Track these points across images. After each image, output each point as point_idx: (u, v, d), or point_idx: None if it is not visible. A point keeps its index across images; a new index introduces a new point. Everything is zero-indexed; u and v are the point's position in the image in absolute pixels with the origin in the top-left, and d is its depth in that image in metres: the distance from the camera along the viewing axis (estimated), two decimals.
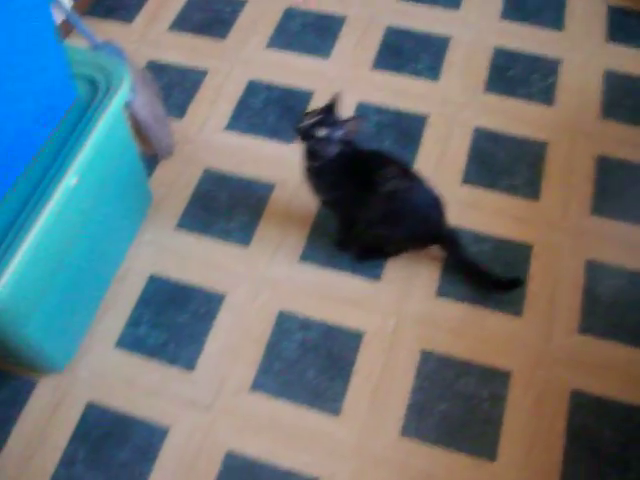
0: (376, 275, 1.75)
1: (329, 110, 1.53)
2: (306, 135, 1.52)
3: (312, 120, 1.51)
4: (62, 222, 1.39)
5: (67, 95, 1.48)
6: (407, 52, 2.19)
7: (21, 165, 1.40)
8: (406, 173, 1.60)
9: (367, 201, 1.58)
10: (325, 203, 1.67)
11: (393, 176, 1.58)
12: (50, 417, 1.60)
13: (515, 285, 1.69)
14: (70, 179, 1.39)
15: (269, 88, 2.12)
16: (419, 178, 1.61)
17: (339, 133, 1.51)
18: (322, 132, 1.50)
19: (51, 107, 1.44)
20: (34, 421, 1.60)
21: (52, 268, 1.45)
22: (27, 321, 1.43)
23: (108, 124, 1.47)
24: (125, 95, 1.52)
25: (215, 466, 1.52)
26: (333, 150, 1.52)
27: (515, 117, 2.03)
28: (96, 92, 1.51)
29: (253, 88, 2.12)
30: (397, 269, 1.75)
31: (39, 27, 1.34)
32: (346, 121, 1.52)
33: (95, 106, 1.48)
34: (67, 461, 1.55)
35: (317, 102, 2.07)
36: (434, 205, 1.63)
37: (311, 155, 1.56)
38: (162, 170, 1.96)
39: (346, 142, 1.52)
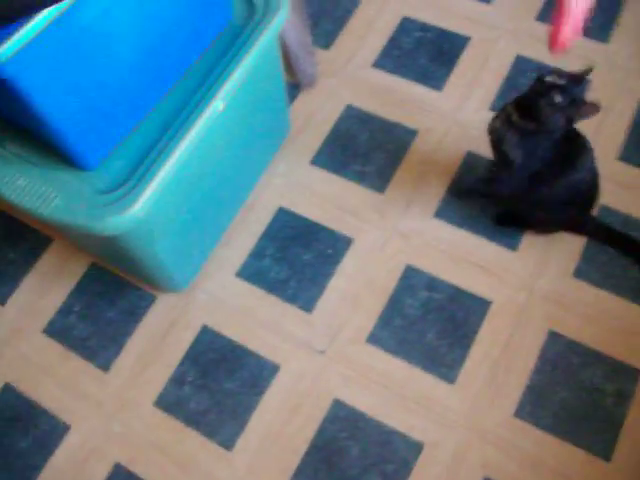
0: (513, 244, 1.65)
1: (577, 80, 1.37)
2: (542, 90, 1.36)
3: (559, 81, 1.35)
4: (204, 147, 1.36)
5: (223, 13, 1.42)
6: None
7: (170, 82, 1.37)
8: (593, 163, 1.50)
9: (552, 178, 1.47)
10: (506, 162, 1.49)
11: (587, 167, 1.48)
12: (165, 334, 1.62)
13: None
14: (218, 104, 1.34)
15: (423, 28, 2.00)
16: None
17: (572, 111, 1.36)
18: (559, 99, 1.34)
19: (206, 23, 1.39)
20: (149, 336, 1.62)
21: (188, 191, 1.43)
22: (157, 240, 1.43)
23: (262, 49, 1.41)
24: (282, 20, 1.45)
25: (321, 411, 1.51)
26: (557, 123, 1.38)
27: None
28: (253, 13, 1.44)
29: (406, 26, 2.01)
30: (536, 242, 1.65)
31: None
32: (585, 103, 1.35)
33: (251, 28, 1.41)
34: (176, 380, 1.57)
35: (473, 49, 1.94)
36: (593, 196, 1.55)
37: (531, 114, 1.40)
38: (302, 101, 1.90)
39: (570, 121, 1.39)
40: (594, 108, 1.35)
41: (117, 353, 1.61)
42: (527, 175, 1.48)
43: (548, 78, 1.36)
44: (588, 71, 1.38)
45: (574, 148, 1.47)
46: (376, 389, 1.52)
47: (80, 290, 1.69)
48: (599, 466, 1.43)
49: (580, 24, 1.23)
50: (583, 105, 1.36)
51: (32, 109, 1.13)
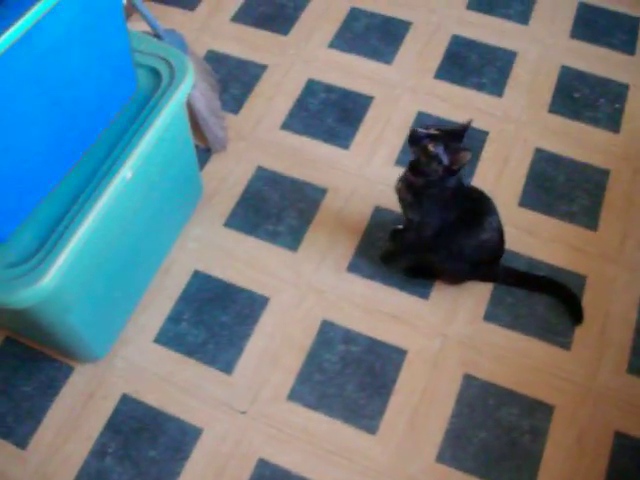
0: (424, 294, 1.71)
1: (455, 134, 1.45)
2: (416, 141, 1.44)
3: (430, 131, 1.43)
4: (114, 215, 1.37)
5: (128, 85, 1.45)
6: (472, 64, 2.13)
7: (77, 154, 1.38)
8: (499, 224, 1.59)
9: (459, 237, 1.55)
10: (411, 223, 1.59)
11: (495, 228, 1.56)
12: (84, 405, 1.59)
13: (573, 300, 1.68)
14: (126, 172, 1.36)
15: (328, 89, 2.08)
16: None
17: (446, 157, 1.43)
18: (433, 147, 1.42)
19: (111, 96, 1.41)
20: (68, 408, 1.59)
21: (100, 260, 1.43)
22: (72, 310, 1.42)
23: (169, 117, 1.45)
24: (188, 88, 1.49)
25: (246, 472, 1.50)
26: (437, 172, 1.44)
27: (578, 141, 1.97)
28: (159, 83, 1.48)
29: (312, 88, 2.09)
30: (446, 290, 1.71)
31: (108, 13, 1.32)
32: (457, 150, 1.43)
33: (157, 98, 1.45)
34: (98, 452, 1.54)
35: (377, 108, 2.03)
36: (500, 252, 1.64)
37: (416, 169, 1.48)
38: (214, 165, 1.94)
39: (452, 171, 1.45)
40: (466, 154, 1.43)
41: (35, 428, 1.57)
42: (432, 233, 1.55)
43: (420, 130, 1.44)
44: (468, 124, 1.46)
45: (480, 209, 1.56)
46: (299, 445, 1.53)
47: None
48: None
49: None
50: (455, 152, 1.43)
51: None
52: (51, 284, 1.24)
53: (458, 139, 1.45)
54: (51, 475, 1.52)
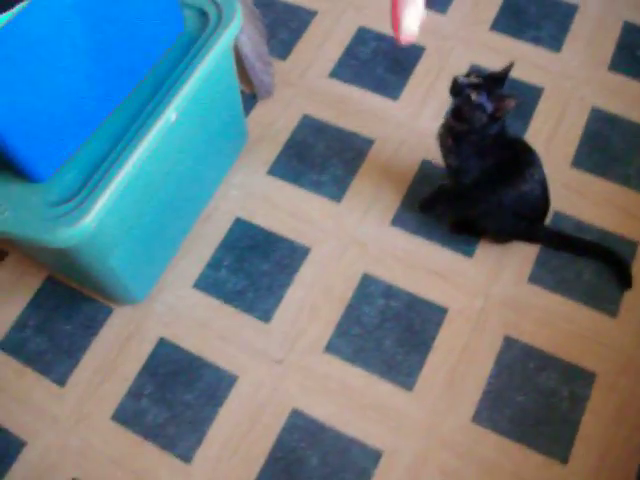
0: (468, 252, 1.67)
1: (496, 79, 1.41)
2: (458, 91, 1.41)
3: (472, 79, 1.40)
4: (157, 158, 1.36)
5: (175, 25, 1.43)
6: (530, 16, 2.05)
7: (123, 94, 1.37)
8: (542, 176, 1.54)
9: (499, 187, 1.50)
10: (451, 169, 1.55)
11: (537, 179, 1.51)
12: (122, 347, 1.60)
13: (621, 264, 1.63)
14: (170, 114, 1.34)
15: (379, 38, 2.02)
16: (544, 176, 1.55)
17: (490, 106, 1.39)
18: (475, 96, 1.39)
19: (158, 35, 1.39)
20: (106, 348, 1.60)
21: (142, 202, 1.43)
22: (112, 252, 1.42)
23: (215, 60, 1.42)
24: (235, 31, 1.46)
25: (279, 421, 1.50)
26: (480, 120, 1.41)
27: (638, 102, 1.89)
28: (206, 24, 1.45)
29: (363, 36, 2.03)
30: (491, 249, 1.67)
31: None
32: (502, 97, 1.39)
33: (204, 39, 1.43)
34: (134, 394, 1.55)
35: (429, 59, 1.97)
36: (543, 209, 1.59)
37: (459, 116, 1.44)
38: (259, 111, 1.90)
39: (495, 118, 1.41)
40: (511, 101, 1.38)
41: (73, 367, 1.59)
42: (470, 181, 1.51)
43: (462, 79, 1.40)
44: (508, 68, 1.42)
45: (523, 160, 1.50)
46: (334, 398, 1.52)
47: (36, 304, 1.67)
48: (556, 469, 1.45)
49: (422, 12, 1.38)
50: (502, 99, 1.39)
51: None
52: (92, 224, 1.23)
53: (500, 84, 1.41)
54: (88, 413, 1.54)
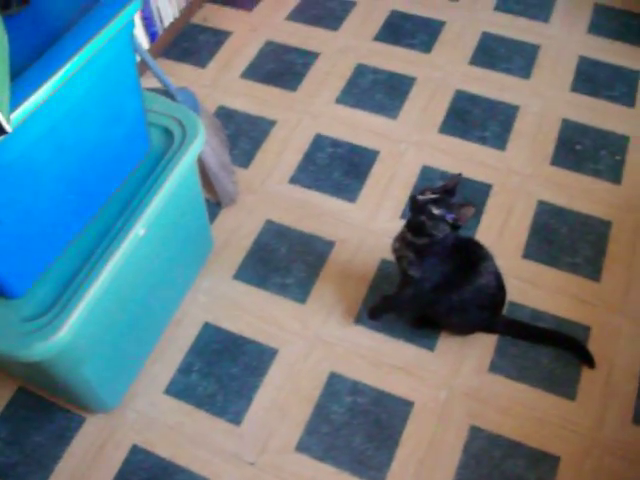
0: (430, 345, 1.73)
1: (449, 190, 1.50)
2: (420, 209, 1.48)
3: (430, 196, 1.48)
4: (128, 270, 1.41)
5: (142, 145, 1.51)
6: (475, 118, 2.19)
7: (92, 212, 1.43)
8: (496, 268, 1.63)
9: (457, 285, 1.58)
10: (408, 278, 1.61)
11: (491, 271, 1.59)
12: (95, 455, 1.61)
13: (580, 347, 1.71)
14: (139, 229, 1.41)
15: (335, 144, 2.14)
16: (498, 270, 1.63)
17: (451, 216, 1.47)
18: (438, 211, 1.46)
19: (125, 156, 1.47)
20: (79, 458, 1.61)
21: (114, 312, 1.47)
22: (84, 363, 1.45)
23: (181, 175, 1.50)
24: (199, 147, 1.54)
25: None
26: (443, 231, 1.49)
27: (580, 193, 2.01)
28: (171, 142, 1.53)
29: (320, 142, 2.14)
30: (451, 341, 1.74)
31: (124, 79, 1.38)
32: (460, 206, 1.48)
33: (169, 157, 1.50)
34: None
35: (383, 162, 2.08)
36: (501, 299, 1.66)
37: (418, 231, 1.51)
38: (223, 218, 1.99)
39: (457, 227, 1.49)
40: (469, 208, 1.47)
41: (46, 479, 1.59)
42: (431, 287, 1.58)
43: (420, 197, 1.49)
44: (458, 179, 1.51)
45: (475, 256, 1.59)
46: None
47: (6, 416, 1.67)
48: None
49: None
50: (460, 208, 1.48)
51: None
52: (66, 338, 1.27)
53: (452, 194, 1.50)
54: None
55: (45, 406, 1.69)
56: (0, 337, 1.27)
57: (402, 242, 1.58)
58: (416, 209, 1.49)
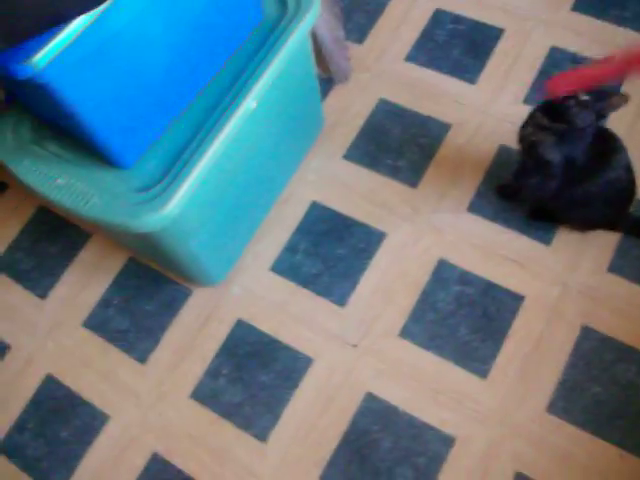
0: (547, 239, 1.65)
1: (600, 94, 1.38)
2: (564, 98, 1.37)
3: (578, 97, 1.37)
4: (238, 144, 1.39)
5: (254, 13, 1.44)
6: None
7: (204, 82, 1.39)
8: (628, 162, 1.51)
9: (587, 177, 1.47)
10: (543, 163, 1.49)
11: (623, 165, 1.47)
12: (201, 327, 1.65)
13: None
14: (250, 102, 1.36)
15: (456, 20, 1.99)
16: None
17: (600, 104, 1.36)
18: (586, 97, 1.35)
19: (238, 24, 1.41)
20: (186, 329, 1.65)
21: (222, 188, 1.46)
22: (193, 236, 1.46)
23: (293, 48, 1.43)
24: (313, 18, 1.47)
25: (353, 404, 1.53)
26: (588, 120, 1.38)
27: None
28: (284, 12, 1.46)
29: (439, 18, 2.01)
30: (570, 237, 1.64)
31: None
32: (611, 94, 1.36)
33: (282, 27, 1.43)
34: (212, 373, 1.60)
35: (507, 41, 1.93)
36: (630, 195, 1.55)
37: (560, 116, 1.40)
38: (335, 96, 1.91)
39: (601, 116, 1.38)
40: (621, 99, 1.35)
41: (154, 346, 1.65)
42: (564, 176, 1.48)
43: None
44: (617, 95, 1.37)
45: (608, 147, 1.47)
46: (408, 383, 1.53)
47: (118, 284, 1.73)
48: (631, 462, 1.42)
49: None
50: (610, 97, 1.35)
51: (70, 112, 1.16)
52: (174, 211, 1.27)
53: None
54: (167, 391, 1.60)
55: (154, 277, 1.73)
56: (111, 207, 1.28)
57: (535, 127, 1.46)
58: (562, 99, 1.37)
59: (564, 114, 1.38)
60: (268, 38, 1.42)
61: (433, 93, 1.88)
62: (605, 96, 1.36)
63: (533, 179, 1.53)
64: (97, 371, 1.64)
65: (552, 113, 1.42)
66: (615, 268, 1.60)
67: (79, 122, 1.20)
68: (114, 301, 1.71)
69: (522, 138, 1.51)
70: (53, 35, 1.04)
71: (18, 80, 1.05)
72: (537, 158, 1.49)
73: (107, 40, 1.12)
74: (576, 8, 1.98)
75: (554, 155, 1.45)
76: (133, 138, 1.31)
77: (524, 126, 1.50)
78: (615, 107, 1.36)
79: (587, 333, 1.54)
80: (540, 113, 1.45)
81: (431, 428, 1.49)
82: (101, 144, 1.27)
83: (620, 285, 1.59)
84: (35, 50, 1.04)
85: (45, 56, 1.04)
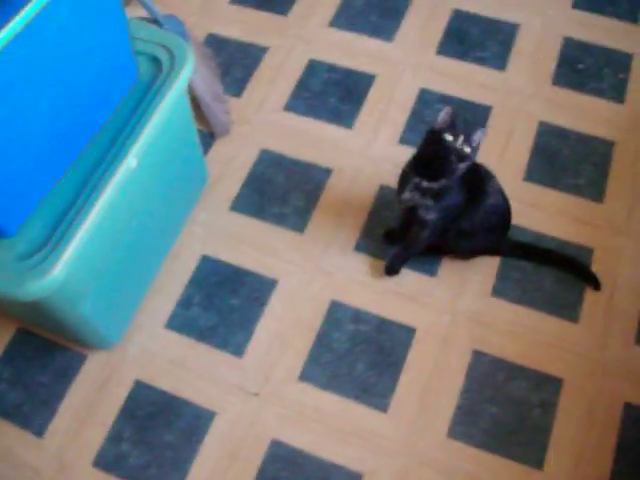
0: (432, 271, 1.71)
1: (451, 126, 1.43)
2: (445, 150, 1.40)
3: (446, 130, 1.41)
4: (121, 204, 1.38)
5: (129, 74, 1.46)
6: (473, 38, 2.12)
7: (82, 145, 1.39)
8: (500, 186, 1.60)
9: (470, 210, 1.55)
10: (425, 223, 1.55)
11: (497, 189, 1.56)
12: (98, 392, 1.61)
13: (584, 269, 1.69)
14: (131, 161, 1.37)
15: (330, 69, 2.07)
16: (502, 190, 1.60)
17: (473, 147, 1.42)
18: (461, 146, 1.40)
19: (113, 84, 1.42)
20: (83, 395, 1.61)
21: (109, 248, 1.45)
22: (82, 300, 1.43)
23: (171, 105, 1.45)
24: (188, 74, 1.49)
25: (259, 453, 1.52)
26: (467, 165, 1.43)
27: (583, 113, 1.96)
28: (159, 70, 1.48)
29: (314, 68, 2.08)
30: (453, 265, 1.72)
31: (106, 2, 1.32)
32: (470, 133, 1.41)
33: (158, 86, 1.46)
34: (114, 438, 1.56)
35: (379, 86, 2.02)
36: (509, 217, 1.64)
37: (439, 173, 1.44)
38: (218, 149, 1.94)
39: (475, 152, 1.44)
40: (480, 131, 1.42)
41: (51, 417, 1.59)
42: (448, 221, 1.55)
43: (447, 142, 1.41)
44: (451, 113, 1.44)
45: (478, 177, 1.55)
46: (312, 425, 1.55)
47: (8, 357, 1.67)
48: (533, 475, 1.49)
49: None
50: (471, 136, 1.42)
51: None
52: (61, 275, 1.25)
53: (454, 127, 1.44)
54: (69, 461, 1.55)
55: (46, 345, 1.68)
56: None
57: (415, 191, 1.50)
58: (440, 152, 1.41)
59: (445, 168, 1.43)
60: (145, 97, 1.44)
61: (313, 140, 1.94)
62: (467, 137, 1.42)
63: (419, 234, 1.60)
64: None
65: (427, 171, 1.46)
66: (498, 291, 1.69)
67: None
68: (4, 375, 1.65)
69: (405, 202, 1.55)
70: None
71: None
72: (419, 220, 1.55)
73: None
74: (440, 52, 2.09)
75: (433, 214, 1.52)
76: (15, 205, 1.29)
77: (401, 191, 1.54)
78: (480, 140, 1.43)
79: (478, 357, 1.61)
80: (413, 174, 1.49)
81: (339, 467, 1.50)
82: None
83: (504, 308, 1.67)
84: None
85: None
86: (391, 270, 1.71)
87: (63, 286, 1.29)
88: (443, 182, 1.46)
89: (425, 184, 1.48)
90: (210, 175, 1.87)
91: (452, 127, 1.44)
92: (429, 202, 1.50)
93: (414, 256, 1.70)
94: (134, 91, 1.46)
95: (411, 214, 1.57)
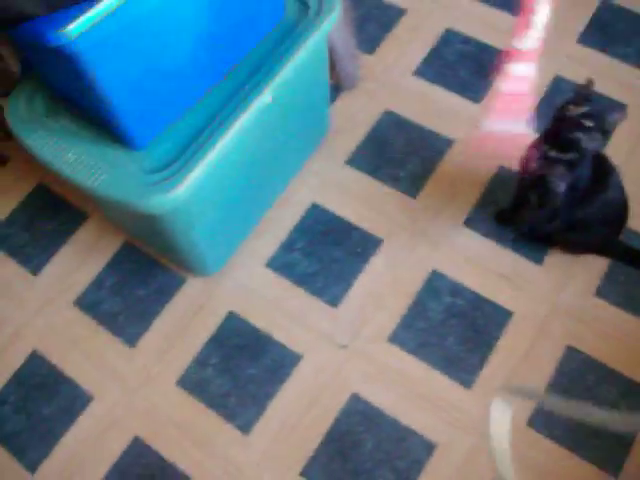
0: (538, 258, 1.68)
1: (587, 99, 1.40)
2: (573, 124, 1.37)
3: (580, 110, 1.37)
4: (249, 137, 1.40)
5: (277, 11, 1.47)
6: (618, 32, 2.04)
7: (223, 72, 1.41)
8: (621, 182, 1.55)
9: (587, 199, 1.51)
10: (551, 196, 1.50)
11: (617, 185, 1.52)
12: (192, 316, 1.66)
13: None
14: (267, 96, 1.39)
15: (465, 41, 2.04)
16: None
17: (603, 124, 1.37)
18: (590, 123, 1.36)
19: (260, 18, 1.43)
20: (177, 316, 1.66)
21: (229, 179, 1.48)
22: (196, 223, 1.47)
23: (312, 48, 1.46)
24: (334, 21, 1.50)
25: (339, 403, 1.55)
26: (597, 145, 1.40)
27: None
28: (306, 12, 1.49)
29: (449, 37, 2.05)
30: (561, 258, 1.68)
31: None
32: (610, 115, 1.37)
33: (303, 27, 1.46)
34: (200, 362, 1.61)
35: None
36: (624, 216, 1.59)
37: (568, 147, 1.41)
38: (342, 102, 1.94)
39: (605, 136, 1.40)
40: (622, 114, 1.38)
41: (144, 330, 1.65)
42: (566, 201, 1.51)
43: (569, 112, 1.38)
44: (589, 84, 1.42)
45: (602, 168, 1.51)
46: (394, 387, 1.55)
47: (112, 267, 1.73)
48: None
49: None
50: (609, 116, 1.37)
51: (93, 86, 1.18)
52: (184, 194, 1.29)
53: (590, 101, 1.40)
54: (154, 376, 1.60)
55: (149, 262, 1.74)
56: (121, 186, 1.30)
57: (543, 160, 1.47)
58: (567, 126, 1.39)
59: (573, 144, 1.40)
60: (289, 35, 1.45)
61: (438, 109, 1.92)
62: (602, 114, 1.37)
63: (538, 210, 1.56)
64: (84, 351, 1.64)
65: (556, 142, 1.43)
66: (602, 292, 1.64)
67: (100, 97, 1.21)
68: (107, 283, 1.71)
69: (525, 173, 1.53)
70: (89, 7, 1.06)
71: (47, 48, 1.07)
72: (547, 191, 1.50)
73: (139, 19, 1.14)
74: (580, 41, 2.03)
75: (562, 186, 1.48)
76: (150, 119, 1.33)
77: (528, 160, 1.51)
78: (617, 123, 1.38)
79: (572, 353, 1.58)
80: (547, 146, 1.46)
81: (414, 433, 1.51)
82: (117, 122, 1.28)
83: (605, 309, 1.63)
84: (69, 20, 1.05)
85: (79, 26, 1.06)
86: (502, 219, 1.71)
87: (183, 206, 1.32)
88: (573, 155, 1.42)
89: (553, 153, 1.45)
90: (331, 127, 1.87)
91: (587, 101, 1.40)
92: (560, 170, 1.46)
93: (523, 225, 1.68)
94: (278, 29, 1.47)
95: (537, 188, 1.52)
